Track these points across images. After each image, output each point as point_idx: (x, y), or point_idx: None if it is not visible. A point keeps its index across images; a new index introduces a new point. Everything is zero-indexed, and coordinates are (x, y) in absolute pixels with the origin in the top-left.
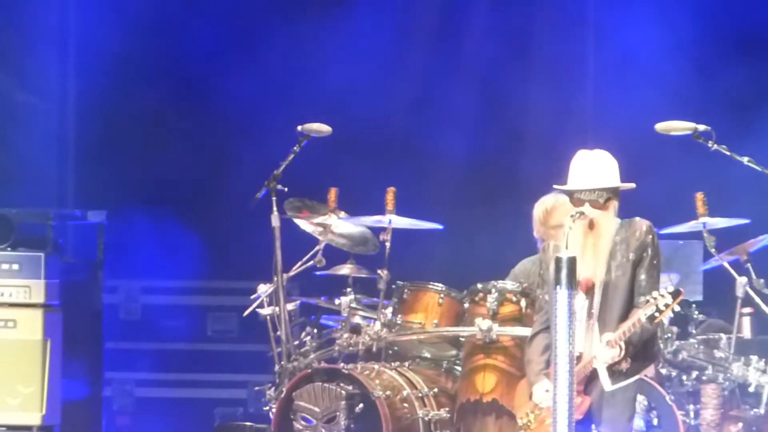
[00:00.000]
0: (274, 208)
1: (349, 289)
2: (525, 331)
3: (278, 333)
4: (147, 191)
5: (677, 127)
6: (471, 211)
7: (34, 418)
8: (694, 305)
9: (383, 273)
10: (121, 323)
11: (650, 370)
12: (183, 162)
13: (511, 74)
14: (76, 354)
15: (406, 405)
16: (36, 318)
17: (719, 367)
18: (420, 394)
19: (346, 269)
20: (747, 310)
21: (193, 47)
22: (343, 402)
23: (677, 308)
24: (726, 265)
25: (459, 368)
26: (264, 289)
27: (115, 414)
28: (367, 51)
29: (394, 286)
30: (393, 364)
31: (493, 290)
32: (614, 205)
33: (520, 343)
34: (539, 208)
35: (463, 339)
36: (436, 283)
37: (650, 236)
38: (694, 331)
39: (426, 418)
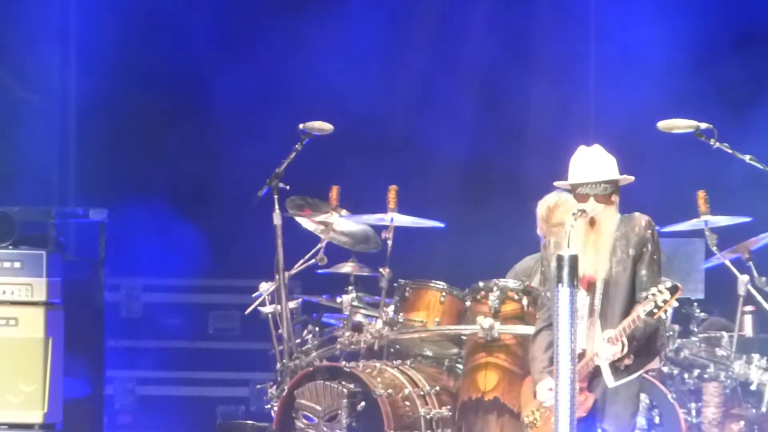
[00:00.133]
0: (276, 206)
1: (350, 287)
2: (527, 329)
3: (280, 331)
4: (148, 189)
5: (679, 125)
6: (473, 209)
7: (36, 417)
8: (695, 303)
9: (385, 271)
10: (123, 321)
11: (656, 363)
12: (184, 160)
13: (512, 73)
14: (77, 352)
15: (407, 403)
16: (37, 316)
17: (721, 365)
18: (422, 393)
19: (347, 267)
20: (749, 308)
21: (194, 45)
22: (345, 400)
23: (676, 304)
24: (728, 263)
25: (461, 366)
26: (266, 287)
27: (117, 412)
28: (369, 49)
29: (395, 284)
30: (395, 362)
31: (495, 288)
32: (617, 199)
33: (522, 341)
34: (542, 206)
35: (464, 337)
36: (438, 282)
37: (649, 231)
38: (695, 330)
39: (428, 417)
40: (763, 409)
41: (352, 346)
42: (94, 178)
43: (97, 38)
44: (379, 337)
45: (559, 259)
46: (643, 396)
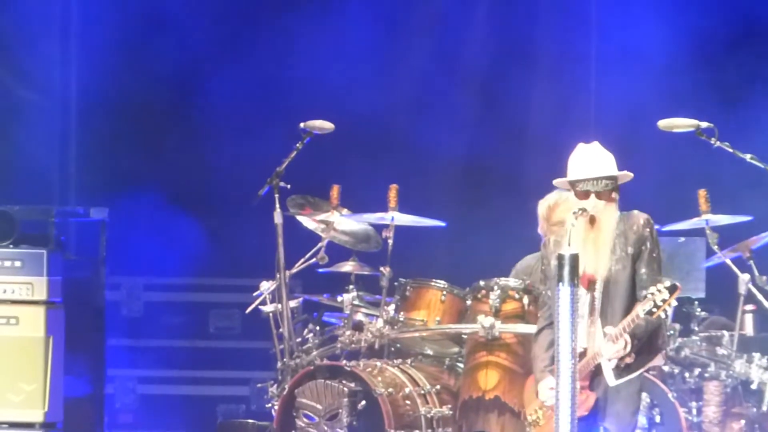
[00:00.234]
0: (277, 205)
1: (351, 286)
2: (527, 328)
3: (281, 330)
4: (149, 188)
5: (680, 124)
6: (473, 208)
7: (37, 416)
8: (696, 302)
9: (386, 270)
10: (124, 320)
11: (658, 361)
12: (185, 159)
13: (512, 72)
14: (78, 351)
15: (408, 402)
16: (38, 315)
17: (722, 364)
18: (422, 392)
19: (348, 266)
20: (749, 307)
21: (194, 45)
22: (346, 399)
23: (675, 303)
24: (728, 262)
25: (461, 365)
26: (266, 286)
27: (118, 411)
28: (369, 48)
29: (396, 283)
30: (395, 361)
31: (496, 287)
32: (617, 197)
33: (523, 340)
34: (543, 204)
35: (465, 336)
36: (439, 281)
37: (648, 229)
38: (696, 329)
39: (428, 416)
40: (764, 408)
41: (353, 345)
42: (94, 177)
43: (97, 37)
44: (380, 336)
45: (560, 257)
46: (643, 395)
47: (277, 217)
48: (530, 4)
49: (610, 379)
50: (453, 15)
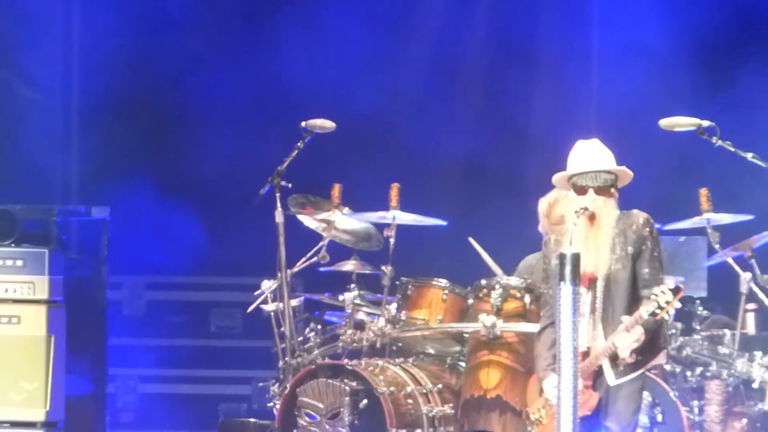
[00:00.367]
0: (278, 204)
1: (353, 285)
2: (529, 328)
3: (282, 329)
4: (151, 187)
5: (681, 123)
6: (475, 207)
7: (38, 414)
8: (698, 301)
9: (387, 269)
10: (125, 319)
11: (661, 359)
12: (186, 158)
13: (513, 71)
14: (79, 350)
15: (410, 401)
16: (40, 314)
17: (723, 363)
18: (424, 390)
19: (349, 265)
20: (751, 306)
21: (195, 44)
22: (347, 398)
23: (679, 305)
24: (730, 261)
25: (463, 364)
26: (268, 285)
27: (119, 410)
28: (370, 47)
29: (398, 282)
30: (397, 360)
31: (497, 286)
32: (616, 194)
33: (525, 339)
34: (543, 202)
35: (467, 335)
36: (440, 280)
37: (647, 228)
38: (698, 327)
39: (430, 414)
40: (766, 407)
41: (355, 344)
42: (96, 176)
43: (99, 37)
44: (382, 335)
45: (561, 256)
46: (645, 394)
47: (279, 216)
48: (530, 3)
49: (610, 378)
50: (453, 14)
